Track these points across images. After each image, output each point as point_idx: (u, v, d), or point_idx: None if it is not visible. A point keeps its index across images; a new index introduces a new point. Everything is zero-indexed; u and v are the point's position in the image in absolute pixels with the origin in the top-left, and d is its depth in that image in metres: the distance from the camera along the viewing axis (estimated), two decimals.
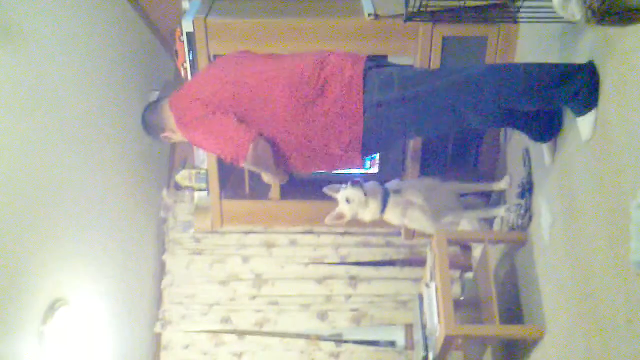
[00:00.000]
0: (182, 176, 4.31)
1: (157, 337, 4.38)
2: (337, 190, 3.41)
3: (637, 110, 2.06)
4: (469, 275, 3.98)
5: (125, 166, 3.97)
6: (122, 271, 3.89)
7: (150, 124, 2.81)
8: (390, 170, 3.88)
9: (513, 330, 3.16)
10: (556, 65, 2.43)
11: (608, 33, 2.25)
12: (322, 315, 4.26)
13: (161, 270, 4.46)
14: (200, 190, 4.29)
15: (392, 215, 3.53)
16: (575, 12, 2.03)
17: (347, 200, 3.36)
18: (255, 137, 2.52)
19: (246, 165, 2.59)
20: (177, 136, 2.78)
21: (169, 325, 4.35)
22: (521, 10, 2.42)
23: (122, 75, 3.91)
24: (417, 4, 2.42)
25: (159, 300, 4.42)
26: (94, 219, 3.49)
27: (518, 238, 3.23)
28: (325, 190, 3.42)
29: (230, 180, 4.12)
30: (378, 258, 4.29)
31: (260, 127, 2.55)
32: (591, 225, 2.42)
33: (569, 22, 2.31)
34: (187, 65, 3.60)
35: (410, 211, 3.51)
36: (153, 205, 4.44)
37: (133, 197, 4.10)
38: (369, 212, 3.45)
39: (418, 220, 3.53)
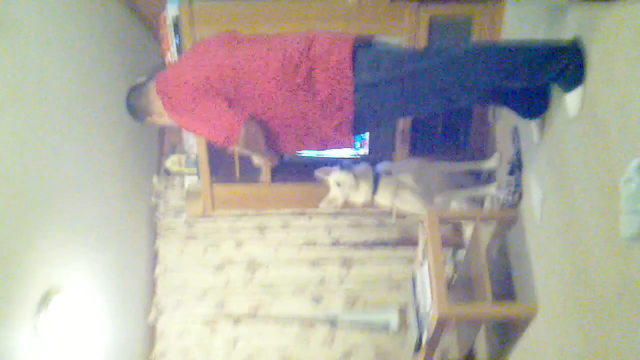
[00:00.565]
0: (172, 162, 4.29)
1: (154, 324, 4.37)
2: (328, 174, 3.40)
3: (624, 86, 2.06)
4: (462, 253, 3.99)
5: (115, 153, 3.94)
6: (115, 259, 3.87)
7: (135, 107, 2.78)
8: (381, 151, 3.87)
9: (506, 308, 3.17)
10: (542, 43, 2.44)
11: (593, 10, 2.24)
12: (317, 298, 4.27)
13: (154, 257, 4.44)
14: (190, 175, 4.27)
15: (384, 198, 3.54)
16: None
17: (338, 184, 3.36)
18: (247, 120, 2.51)
19: (238, 148, 2.58)
20: (164, 119, 2.75)
21: (164, 312, 4.34)
22: None
23: (108, 61, 3.87)
24: None
25: (153, 287, 4.41)
26: (86, 207, 3.47)
27: (509, 216, 3.24)
28: (316, 173, 3.41)
29: (221, 164, 4.11)
30: (371, 239, 4.29)
31: (250, 108, 2.54)
32: (581, 201, 2.43)
33: None
34: (174, 50, 3.57)
35: (401, 192, 3.51)
36: (144, 191, 4.42)
37: (124, 184, 4.08)
38: (360, 195, 3.47)
39: (409, 202, 3.53)
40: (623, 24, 2.07)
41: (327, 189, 3.49)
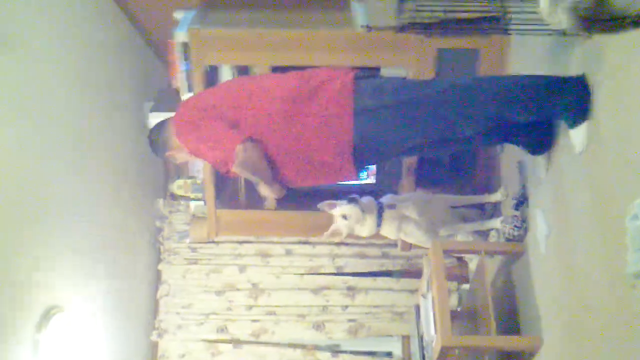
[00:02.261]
0: (178, 186, 4.30)
1: (154, 346, 4.36)
2: (333, 208, 3.41)
3: (629, 123, 2.06)
4: (466, 286, 3.96)
5: (121, 176, 3.97)
6: (118, 280, 3.88)
7: (156, 142, 2.82)
8: (387, 182, 3.87)
9: (510, 341, 3.14)
10: (547, 77, 2.44)
11: (600, 46, 2.25)
12: (319, 326, 4.25)
13: (157, 279, 4.45)
14: (196, 200, 4.28)
15: (388, 230, 3.55)
16: (562, 19, 2.02)
17: (345, 217, 3.36)
18: (245, 140, 2.52)
19: (237, 169, 2.57)
20: (182, 155, 2.80)
21: (165, 334, 4.34)
22: (512, 22, 2.43)
23: (117, 85, 3.91)
24: (410, 15, 2.42)
25: (155, 309, 4.41)
26: (90, 228, 3.49)
27: (514, 249, 3.22)
28: (320, 206, 3.41)
29: (226, 190, 4.12)
30: (374, 269, 4.28)
31: (252, 132, 2.55)
32: (586, 237, 2.41)
33: (558, 32, 2.31)
34: (182, 75, 3.60)
35: (406, 225, 3.52)
36: (148, 214, 4.43)
37: (128, 206, 4.10)
38: (365, 228, 3.47)
39: (414, 235, 3.54)
40: (628, 61, 2.08)
41: (331, 217, 3.48)
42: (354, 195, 3.41)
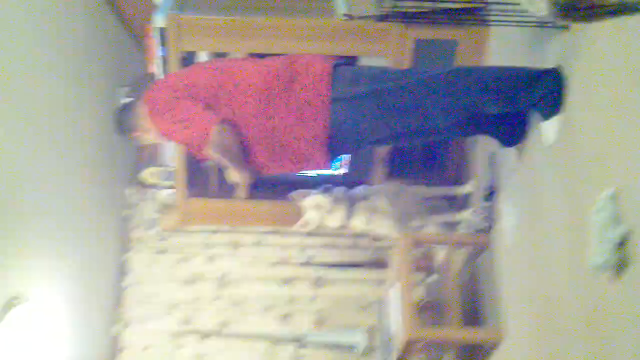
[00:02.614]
0: (148, 174, 4.27)
1: (116, 337, 4.31)
2: (304, 197, 3.43)
3: (601, 117, 2.11)
4: (433, 278, 4.02)
5: (89, 162, 3.91)
6: (82, 269, 3.81)
7: (122, 123, 2.80)
8: (359, 173, 3.90)
9: (474, 333, 3.21)
10: (523, 69, 2.49)
11: (575, 38, 2.30)
12: (285, 317, 4.25)
13: (123, 269, 4.40)
14: (166, 188, 4.25)
15: (358, 222, 3.58)
16: (541, 6, 2.06)
17: (317, 207, 3.39)
18: (220, 121, 2.53)
19: (211, 151, 2.56)
20: (150, 136, 2.78)
21: (129, 325, 4.29)
22: (491, 13, 2.48)
23: (90, 69, 3.86)
24: (390, 5, 2.46)
25: (119, 299, 4.35)
26: (55, 216, 3.43)
27: (482, 241, 3.29)
28: (292, 195, 3.43)
29: (197, 178, 4.10)
30: (345, 260, 4.30)
31: (227, 114, 2.56)
32: (553, 229, 2.47)
33: (536, 24, 2.35)
34: (158, 61, 3.58)
35: (376, 217, 3.55)
36: (117, 202, 4.38)
37: (96, 194, 4.03)
38: (335, 219, 3.50)
39: (384, 227, 3.57)
40: (603, 55, 2.13)
41: (301, 207, 3.51)
42: (326, 185, 3.44)
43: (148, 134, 2.76)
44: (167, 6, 3.47)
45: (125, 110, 2.81)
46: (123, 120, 2.79)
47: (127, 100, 2.88)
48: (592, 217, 2.01)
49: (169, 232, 4.35)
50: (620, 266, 1.89)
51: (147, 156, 4.45)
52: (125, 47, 4.28)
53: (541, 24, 2.34)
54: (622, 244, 1.87)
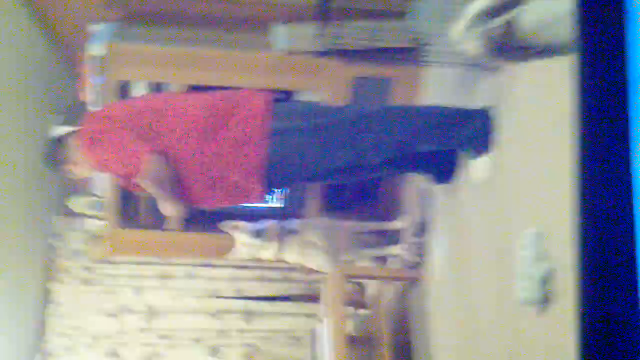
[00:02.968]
0: (76, 203, 4.17)
1: None
2: (234, 231, 3.42)
3: (527, 157, 2.20)
4: (364, 312, 4.05)
5: (17, 188, 3.79)
6: (2, 297, 3.67)
7: (54, 156, 2.73)
8: (294, 206, 3.93)
9: None
10: (454, 109, 2.58)
11: (505, 80, 2.40)
12: (214, 351, 4.20)
13: (45, 299, 4.25)
14: (94, 217, 4.16)
15: (290, 256, 3.59)
16: (475, 45, 2.14)
17: (244, 246, 3.39)
18: (154, 152, 2.51)
19: (143, 181, 2.53)
20: (82, 170, 2.73)
21: (50, 357, 4.13)
22: (426, 54, 2.58)
23: (22, 94, 3.76)
24: (329, 41, 2.52)
25: (41, 331, 4.20)
26: None
27: (412, 276, 3.34)
28: (221, 226, 3.41)
29: (127, 208, 4.03)
30: (275, 293, 4.29)
31: (162, 148, 2.53)
32: (480, 264, 2.54)
33: (469, 64, 2.46)
34: (93, 89, 3.54)
35: (308, 250, 3.57)
36: (43, 231, 4.25)
37: (22, 222, 3.91)
38: (267, 253, 3.50)
39: (316, 260, 3.59)
40: (529, 96, 2.23)
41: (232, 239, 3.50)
42: (252, 224, 3.43)
43: (81, 167, 2.70)
44: (104, 34, 3.43)
45: (56, 143, 2.74)
46: (55, 153, 2.73)
47: (59, 132, 2.81)
48: (518, 254, 2.09)
49: (95, 263, 4.25)
50: (543, 302, 1.95)
51: (76, 185, 4.35)
52: (59, 74, 4.19)
53: (472, 65, 2.45)
54: (546, 280, 1.94)
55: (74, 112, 3.79)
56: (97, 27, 3.53)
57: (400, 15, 2.86)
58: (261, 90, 2.68)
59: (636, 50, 0.85)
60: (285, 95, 2.73)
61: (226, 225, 3.42)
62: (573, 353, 1.72)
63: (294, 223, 3.63)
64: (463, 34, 2.15)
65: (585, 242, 0.85)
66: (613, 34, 0.87)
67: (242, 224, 3.44)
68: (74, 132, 2.70)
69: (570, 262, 1.79)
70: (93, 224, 4.18)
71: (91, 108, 3.59)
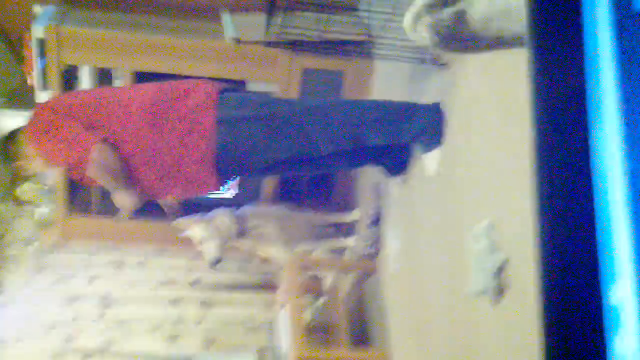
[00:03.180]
0: (24, 190, 4.06)
1: None
2: (187, 227, 3.33)
3: (476, 149, 2.20)
4: (321, 301, 4.04)
5: None
6: None
7: (6, 152, 2.68)
8: (248, 195, 3.86)
9: (360, 354, 3.25)
10: (405, 103, 2.57)
11: (455, 73, 2.39)
12: (173, 338, 4.15)
13: None
14: (43, 205, 4.05)
15: (245, 245, 3.53)
16: (423, 36, 2.10)
17: (201, 240, 3.30)
18: (101, 141, 2.45)
19: (92, 171, 2.48)
20: (34, 165, 2.68)
21: (4, 344, 4.05)
22: (376, 47, 2.53)
23: None
24: (278, 31, 2.45)
25: None
26: None
27: (367, 267, 3.34)
28: (174, 224, 3.33)
29: (78, 195, 3.93)
30: (230, 282, 4.25)
31: (110, 137, 2.48)
32: (434, 256, 2.54)
33: (418, 59, 2.42)
34: (37, 73, 3.40)
35: (264, 241, 3.52)
36: None
37: None
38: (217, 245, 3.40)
39: (271, 250, 3.55)
40: (478, 90, 2.22)
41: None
42: (201, 213, 3.35)
43: (33, 162, 2.65)
44: (48, 16, 3.29)
45: (7, 139, 2.69)
46: (6, 149, 2.68)
47: (10, 119, 2.74)
48: (471, 245, 2.08)
49: (46, 251, 4.16)
50: (496, 293, 1.96)
51: (24, 173, 4.22)
52: (2, 57, 4.03)
53: (423, 59, 2.41)
54: (498, 272, 1.94)
55: (18, 95, 3.67)
56: (40, 9, 3.39)
57: (353, 8, 2.80)
58: (210, 79, 2.62)
59: (591, 36, 0.84)
60: (237, 85, 2.65)
61: (177, 223, 3.32)
62: (527, 344, 1.75)
63: (249, 208, 3.56)
64: (413, 25, 2.09)
65: (545, 233, 0.84)
66: (567, 21, 0.85)
67: (192, 219, 3.33)
68: (21, 128, 2.65)
69: (524, 253, 1.83)
70: (42, 211, 4.08)
71: (37, 91, 3.47)
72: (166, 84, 2.58)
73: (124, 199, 2.60)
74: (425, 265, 2.63)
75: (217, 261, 3.28)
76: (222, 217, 3.33)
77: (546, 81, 0.85)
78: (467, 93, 2.30)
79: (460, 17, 2.01)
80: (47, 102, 2.70)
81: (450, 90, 2.41)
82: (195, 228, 3.23)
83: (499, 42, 2.01)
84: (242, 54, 3.25)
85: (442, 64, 2.40)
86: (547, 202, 0.84)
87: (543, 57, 0.86)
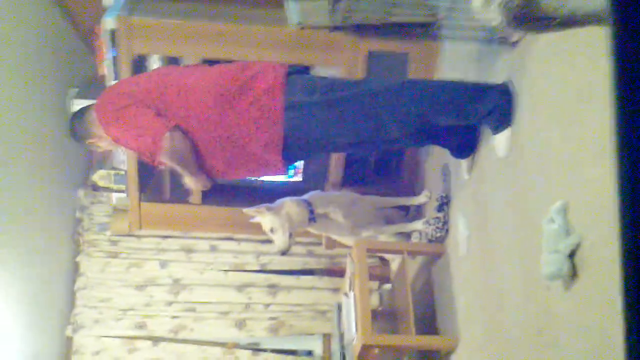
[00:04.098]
0: (100, 176, 4.18)
1: (68, 341, 4.22)
2: (257, 215, 3.33)
3: (548, 130, 2.14)
4: (388, 286, 4.02)
5: (40, 163, 3.82)
6: (33, 271, 3.73)
7: (77, 130, 2.76)
8: (314, 180, 3.87)
9: (428, 341, 3.21)
10: (472, 83, 2.52)
11: (524, 54, 2.32)
12: (240, 324, 4.22)
13: (75, 271, 4.31)
14: (118, 191, 4.17)
15: (314, 228, 3.54)
16: (494, 16, 2.07)
17: (272, 231, 3.31)
18: (172, 128, 2.50)
19: (164, 158, 2.54)
20: (104, 144, 2.76)
21: (81, 329, 4.21)
22: (442, 28, 2.49)
23: (40, 70, 3.76)
24: (343, 16, 2.44)
25: (71, 303, 4.27)
26: (5, 217, 3.35)
27: (435, 251, 3.29)
28: (247, 212, 3.35)
29: (150, 182, 4.03)
30: (299, 267, 4.28)
31: (181, 121, 2.53)
32: (505, 239, 2.48)
33: (485, 41, 2.36)
34: (109, 62, 3.50)
35: (331, 226, 3.52)
36: (68, 205, 4.29)
37: (47, 196, 3.96)
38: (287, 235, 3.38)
39: (337, 235, 3.55)
40: (550, 70, 2.15)
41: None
42: (276, 203, 3.34)
43: (102, 141, 2.73)
44: (118, 8, 3.38)
45: (77, 117, 2.77)
46: (76, 127, 2.75)
47: (78, 107, 2.82)
48: (543, 227, 2.03)
49: (120, 237, 4.27)
50: (571, 275, 1.91)
51: (98, 158, 4.36)
52: (75, 49, 4.17)
53: (490, 40, 2.35)
54: (572, 254, 1.90)
55: (88, 85, 3.79)
56: (110, 1, 3.49)
57: None
58: (276, 63, 2.63)
59: None
60: (301, 69, 2.66)
61: (249, 210, 3.35)
62: (601, 326, 1.70)
63: (316, 194, 3.56)
64: (484, 5, 2.05)
65: (627, 215, 0.80)
66: None
67: (262, 209, 3.33)
68: (90, 106, 2.72)
69: (600, 235, 1.78)
70: (116, 198, 4.20)
71: (108, 81, 3.57)
72: (232, 69, 2.60)
73: (194, 182, 2.68)
74: (495, 248, 2.58)
75: (286, 252, 3.29)
76: (291, 205, 3.33)
77: (629, 58, 0.81)
78: (537, 72, 2.24)
79: None
80: (116, 88, 2.75)
81: (520, 70, 2.35)
82: (265, 217, 3.25)
83: (571, 21, 1.96)
84: (307, 39, 3.25)
85: (513, 42, 2.34)
86: (629, 184, 0.80)
87: (626, 32, 0.81)
